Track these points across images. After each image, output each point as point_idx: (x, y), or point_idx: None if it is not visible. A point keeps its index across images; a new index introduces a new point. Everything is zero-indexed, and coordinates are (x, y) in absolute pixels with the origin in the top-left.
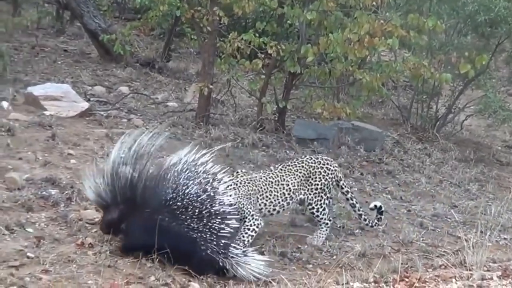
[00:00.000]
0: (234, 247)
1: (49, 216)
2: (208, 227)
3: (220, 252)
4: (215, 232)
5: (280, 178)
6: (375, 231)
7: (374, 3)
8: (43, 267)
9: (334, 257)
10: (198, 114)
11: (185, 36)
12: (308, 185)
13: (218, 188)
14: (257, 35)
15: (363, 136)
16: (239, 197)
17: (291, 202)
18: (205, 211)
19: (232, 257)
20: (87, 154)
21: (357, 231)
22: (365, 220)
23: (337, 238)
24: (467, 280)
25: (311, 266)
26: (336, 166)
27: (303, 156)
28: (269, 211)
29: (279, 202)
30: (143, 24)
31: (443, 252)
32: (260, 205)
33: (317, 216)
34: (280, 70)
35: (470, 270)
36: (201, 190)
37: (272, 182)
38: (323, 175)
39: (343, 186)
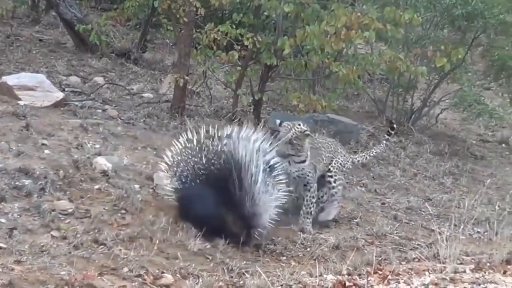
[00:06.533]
0: None
1: (22, 207)
2: None
3: None
4: None
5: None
6: (350, 223)
7: None
8: (15, 258)
9: (308, 249)
10: (174, 105)
11: (161, 27)
12: None
13: None
14: (233, 26)
15: (339, 128)
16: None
17: None
18: None
19: None
20: (61, 145)
21: (331, 223)
22: None
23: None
24: (440, 273)
25: (284, 258)
26: None
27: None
28: None
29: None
30: (119, 14)
31: (416, 245)
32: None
33: None
34: (256, 62)
35: (443, 263)
36: None
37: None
38: None
39: None
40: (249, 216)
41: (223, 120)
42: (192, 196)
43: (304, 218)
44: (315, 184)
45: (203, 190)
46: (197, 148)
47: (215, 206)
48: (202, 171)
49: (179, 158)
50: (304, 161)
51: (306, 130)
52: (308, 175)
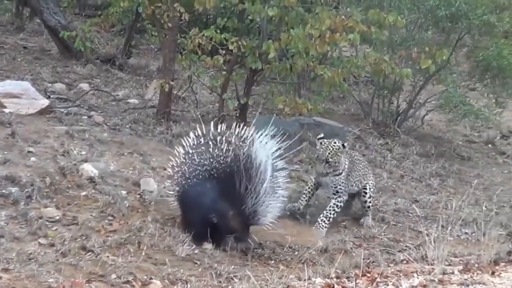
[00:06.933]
0: None
1: (9, 214)
2: None
3: None
4: None
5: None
6: (337, 226)
7: None
8: (3, 266)
9: (296, 253)
10: (159, 110)
11: (146, 33)
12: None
13: None
14: (218, 31)
15: (325, 131)
16: (345, 171)
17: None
18: None
19: None
20: (48, 152)
21: None
22: None
23: (299, 234)
24: (429, 275)
25: (273, 262)
26: None
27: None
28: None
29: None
30: (103, 20)
31: (404, 247)
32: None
33: None
34: (241, 66)
35: (431, 264)
36: None
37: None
38: None
39: None
40: (250, 213)
41: (209, 125)
42: (195, 190)
43: (321, 221)
44: (345, 196)
45: (206, 184)
46: (204, 144)
47: (217, 199)
48: (206, 167)
49: (183, 159)
50: (340, 174)
51: (340, 148)
52: (340, 185)
